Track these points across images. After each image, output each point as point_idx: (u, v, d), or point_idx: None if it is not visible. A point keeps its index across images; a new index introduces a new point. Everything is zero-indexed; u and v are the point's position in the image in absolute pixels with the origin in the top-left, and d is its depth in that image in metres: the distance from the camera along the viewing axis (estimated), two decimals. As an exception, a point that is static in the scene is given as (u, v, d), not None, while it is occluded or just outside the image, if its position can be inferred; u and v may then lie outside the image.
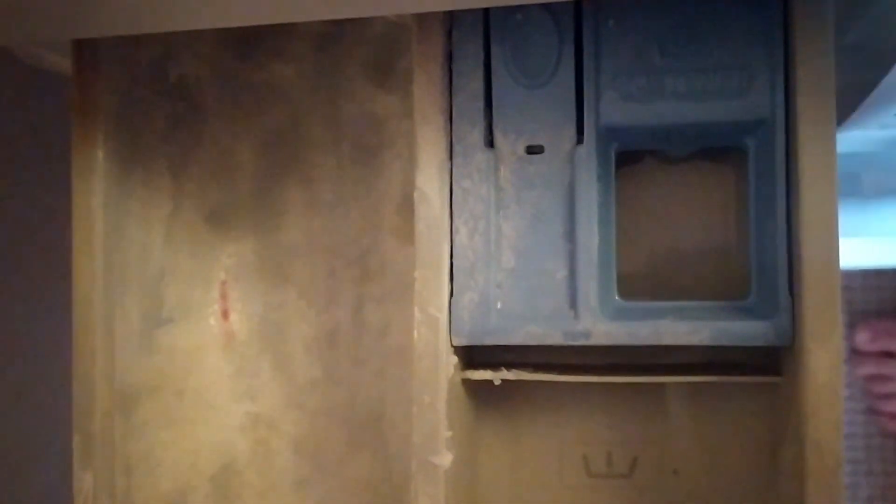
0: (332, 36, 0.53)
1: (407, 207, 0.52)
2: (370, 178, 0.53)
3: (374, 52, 0.53)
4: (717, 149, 0.44)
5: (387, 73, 0.53)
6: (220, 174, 0.54)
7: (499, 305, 0.43)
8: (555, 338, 0.42)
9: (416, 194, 0.43)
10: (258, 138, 0.54)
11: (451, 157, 0.43)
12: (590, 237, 0.42)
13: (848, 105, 0.53)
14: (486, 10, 0.43)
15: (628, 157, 0.45)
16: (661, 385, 0.46)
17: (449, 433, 0.42)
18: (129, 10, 0.40)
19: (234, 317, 0.54)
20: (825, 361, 0.38)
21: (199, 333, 0.53)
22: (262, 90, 0.54)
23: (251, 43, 0.54)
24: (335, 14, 0.41)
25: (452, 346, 0.43)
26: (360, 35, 0.53)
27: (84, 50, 0.46)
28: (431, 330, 0.42)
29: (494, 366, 0.45)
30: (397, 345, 0.51)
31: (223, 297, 0.54)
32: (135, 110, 0.51)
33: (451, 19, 0.44)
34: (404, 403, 0.50)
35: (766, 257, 0.41)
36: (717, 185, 0.45)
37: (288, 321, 0.53)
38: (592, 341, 0.41)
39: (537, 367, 0.45)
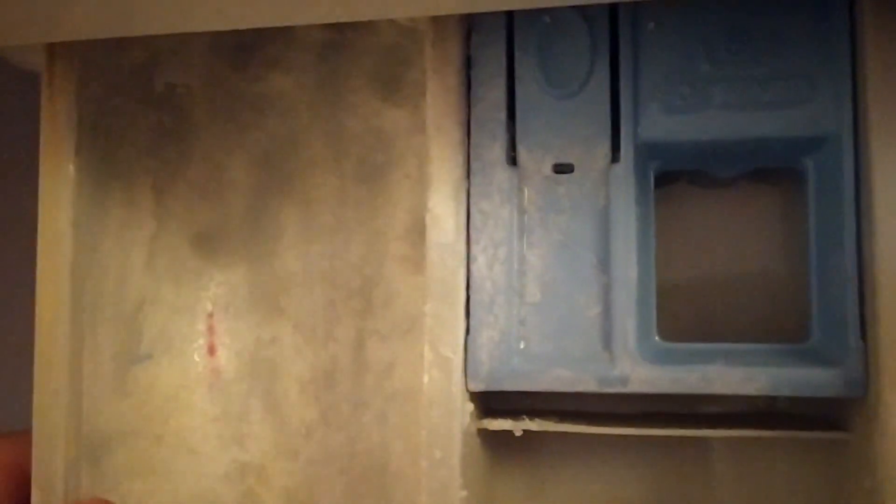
0: (335, 44, 0.48)
1: (416, 233, 0.47)
2: (375, 200, 0.48)
3: (381, 62, 0.48)
4: (767, 171, 0.39)
5: (395, 85, 0.48)
6: (210, 193, 0.49)
7: (522, 345, 0.38)
8: (587, 384, 0.36)
9: (427, 217, 0.38)
10: (252, 154, 0.49)
11: (468, 176, 0.38)
12: (627, 269, 0.36)
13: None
14: (510, 13, 0.38)
15: (668, 178, 0.40)
16: (704, 438, 0.40)
17: (463, 493, 0.36)
18: (109, 11, 0.36)
19: (221, 352, 0.48)
20: (907, 417, 0.32)
21: (181, 371, 0.47)
22: (258, 102, 0.49)
23: (247, 51, 0.49)
24: (340, 17, 0.36)
25: (468, 391, 0.37)
26: (366, 44, 0.48)
27: (58, 53, 0.41)
28: (444, 373, 0.37)
29: (514, 413, 0.40)
30: (403, 386, 0.46)
31: (210, 330, 0.48)
32: (115, 120, 0.46)
33: (471, 22, 0.39)
34: (411, 452, 0.45)
35: (830, 293, 0.36)
36: (768, 210, 0.40)
37: (281, 358, 0.47)
38: (630, 388, 0.36)
39: (563, 416, 0.40)
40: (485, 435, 0.40)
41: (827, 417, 0.38)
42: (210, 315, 0.48)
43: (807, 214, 0.37)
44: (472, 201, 0.38)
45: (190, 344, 0.48)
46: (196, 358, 0.48)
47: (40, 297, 0.41)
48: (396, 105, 0.48)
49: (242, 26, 0.37)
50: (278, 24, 0.38)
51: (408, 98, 0.47)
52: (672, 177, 0.40)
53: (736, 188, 0.40)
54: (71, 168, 0.41)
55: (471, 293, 0.38)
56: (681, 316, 0.40)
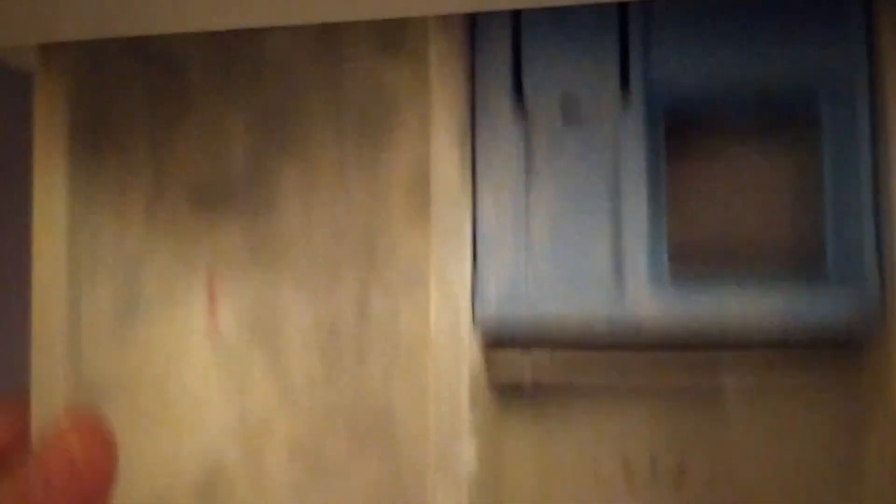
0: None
1: (419, 187, 0.46)
2: (377, 154, 0.47)
3: (380, 13, 0.47)
4: (780, 120, 0.39)
5: (396, 36, 0.47)
6: (208, 151, 0.49)
7: (531, 285, 0.37)
8: (598, 324, 0.36)
9: (432, 156, 0.38)
10: (251, 112, 0.49)
11: (473, 122, 0.38)
12: (638, 209, 0.36)
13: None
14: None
15: (677, 128, 0.39)
16: (714, 368, 0.40)
17: (471, 419, 0.36)
18: (103, 11, 0.35)
19: (222, 308, 0.48)
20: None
21: (181, 325, 0.47)
22: (256, 60, 0.49)
23: (244, 4, 0.48)
24: (339, 17, 0.35)
25: (476, 328, 0.37)
26: (365, -5, 0.47)
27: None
28: (451, 309, 0.36)
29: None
30: (409, 337, 0.45)
31: (210, 285, 0.48)
32: (108, 77, 0.45)
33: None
34: (417, 402, 0.44)
35: (847, 227, 0.36)
36: (783, 155, 0.40)
37: (283, 311, 0.47)
38: (643, 322, 0.35)
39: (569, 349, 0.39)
40: (493, 388, 0.39)
41: (842, 354, 0.38)
42: (210, 271, 0.48)
43: (822, 155, 0.37)
44: (477, 144, 0.38)
45: (190, 298, 0.47)
46: (196, 312, 0.47)
47: (36, 255, 0.40)
48: (398, 57, 0.47)
49: (242, 25, 0.37)
50: (279, 23, 0.37)
51: (409, 50, 0.47)
52: (682, 120, 0.40)
53: (749, 128, 0.40)
54: (64, 130, 0.40)
55: (477, 233, 0.37)
56: (695, 252, 0.39)
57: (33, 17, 0.35)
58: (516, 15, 0.38)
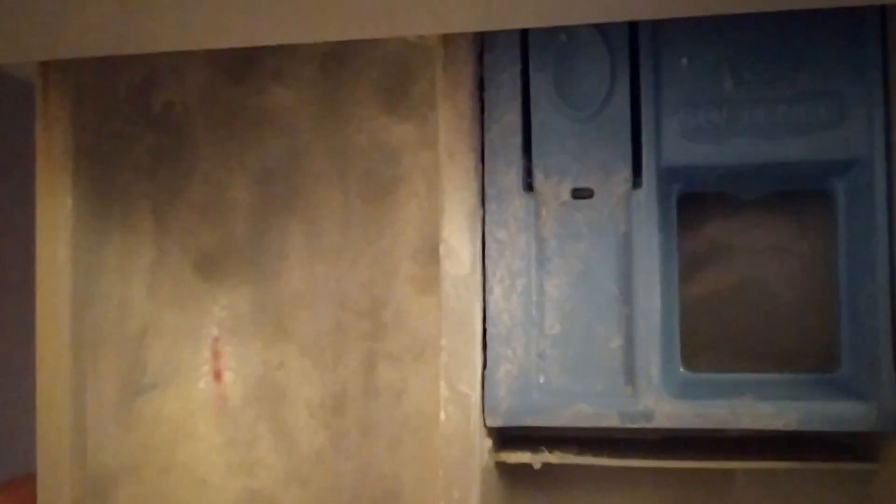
0: (338, 56, 0.47)
1: (425, 252, 0.45)
2: (383, 218, 0.46)
3: (386, 74, 0.46)
4: (794, 192, 0.38)
5: (401, 97, 0.46)
6: (212, 214, 0.48)
7: (542, 380, 0.36)
8: (610, 419, 0.35)
9: (441, 248, 0.37)
10: (255, 172, 0.48)
11: (482, 204, 0.37)
12: (650, 298, 0.35)
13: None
14: (525, 31, 0.37)
15: (689, 198, 0.38)
16: (729, 468, 0.39)
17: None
18: (106, 29, 0.34)
19: (227, 378, 0.47)
20: (943, 454, 0.31)
21: (187, 399, 0.46)
22: (260, 117, 0.48)
23: (246, 63, 0.47)
24: (343, 35, 0.34)
25: (486, 426, 0.36)
26: (370, 55, 0.46)
27: (51, 79, 0.39)
28: (461, 410, 0.35)
29: (533, 442, 0.39)
30: (416, 412, 0.44)
31: (215, 355, 0.47)
32: (111, 146, 0.44)
33: (483, 40, 0.37)
34: (425, 480, 0.43)
35: (861, 322, 0.34)
36: (796, 233, 0.39)
37: (289, 382, 0.46)
38: (655, 424, 0.34)
39: (583, 444, 0.38)
40: (503, 467, 0.39)
41: (855, 446, 0.37)
42: (215, 339, 0.47)
43: (836, 238, 0.36)
44: (487, 230, 0.37)
45: (195, 370, 0.46)
46: (202, 385, 0.46)
47: (40, 335, 0.39)
48: (403, 119, 0.46)
49: (243, 44, 0.36)
50: (281, 41, 0.36)
51: (415, 111, 0.46)
52: (694, 198, 0.39)
53: (760, 208, 0.39)
54: (69, 201, 0.39)
55: (487, 326, 0.36)
56: (706, 343, 0.39)
57: (36, 34, 0.34)
58: (526, 95, 0.37)
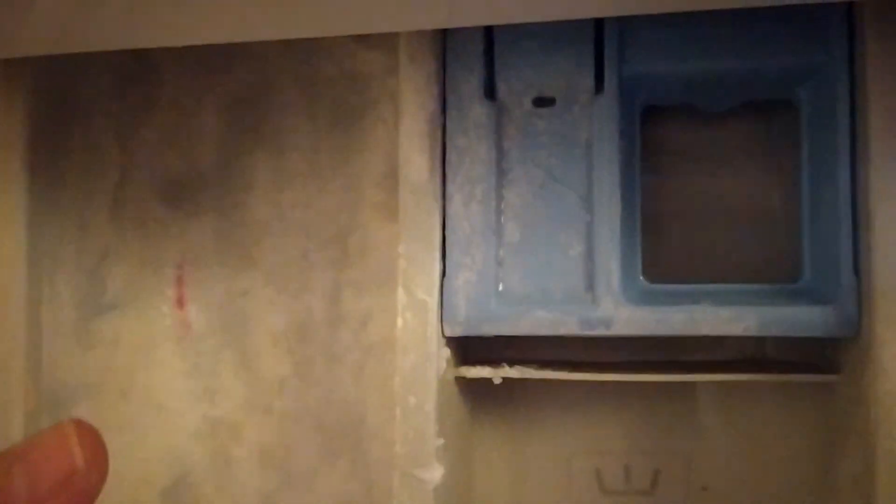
0: (308, -17, 0.46)
1: (392, 180, 0.45)
2: (350, 145, 0.46)
3: None
4: (758, 103, 0.38)
5: (370, 25, 0.46)
6: (178, 141, 0.47)
7: (501, 287, 0.36)
8: (569, 326, 0.34)
9: (400, 154, 0.36)
10: (222, 100, 0.47)
11: (443, 111, 0.36)
12: (611, 206, 0.34)
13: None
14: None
15: (653, 111, 0.38)
16: (690, 385, 0.39)
17: (440, 441, 0.34)
18: (66, 26, 0.33)
19: (190, 305, 0.46)
20: (901, 355, 0.31)
21: (148, 323, 0.45)
22: (227, 46, 0.47)
23: (214, -9, 0.46)
24: (315, 32, 0.34)
25: (444, 336, 0.36)
26: (340, -19, 0.45)
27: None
28: (419, 317, 0.35)
29: (493, 361, 0.38)
30: (380, 338, 0.44)
31: (178, 281, 0.46)
32: (75, 62, 0.44)
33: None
34: (388, 406, 0.43)
35: (823, 229, 0.34)
36: (759, 143, 0.38)
37: (253, 310, 0.46)
38: (614, 331, 0.34)
39: (543, 363, 0.38)
40: (463, 384, 0.38)
41: (815, 360, 0.36)
42: (179, 266, 0.46)
43: (799, 147, 0.36)
44: (447, 137, 0.36)
45: (158, 296, 0.46)
46: (164, 310, 0.46)
47: (-7, 243, 0.39)
48: (371, 45, 0.46)
49: (211, 41, 0.35)
50: (249, 38, 0.35)
51: (383, 38, 0.45)
52: (660, 110, 0.38)
53: (726, 120, 0.38)
54: (24, 112, 0.38)
55: (447, 234, 0.36)
56: (667, 254, 0.38)
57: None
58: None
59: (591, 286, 0.35)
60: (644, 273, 0.36)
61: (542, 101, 0.36)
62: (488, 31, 0.36)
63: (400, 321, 0.35)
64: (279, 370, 0.45)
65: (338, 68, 0.46)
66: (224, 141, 0.47)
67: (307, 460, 0.44)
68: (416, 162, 0.35)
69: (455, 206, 0.36)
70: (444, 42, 0.36)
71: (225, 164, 0.47)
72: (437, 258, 0.35)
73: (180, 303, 0.46)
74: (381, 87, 0.45)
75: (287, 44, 0.47)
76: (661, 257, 0.38)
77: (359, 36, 0.46)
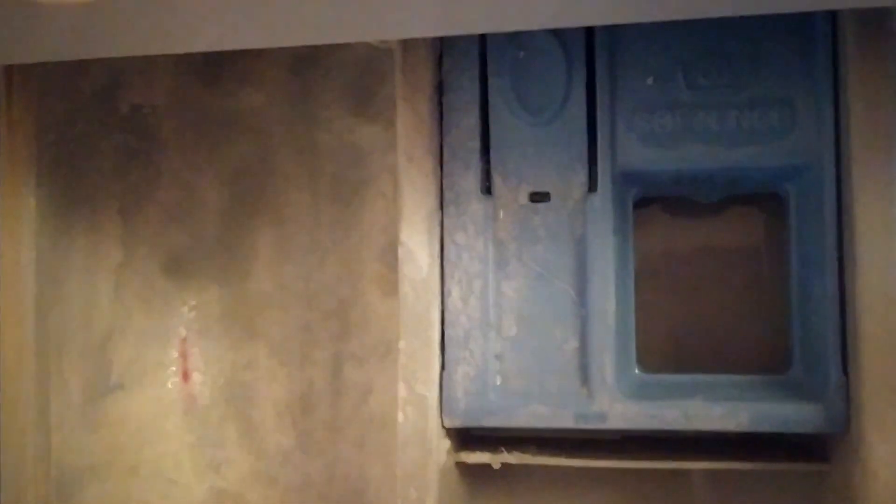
0: (308, 59, 0.47)
1: (392, 253, 0.45)
2: (350, 219, 0.46)
3: (354, 76, 0.46)
4: (747, 195, 0.38)
5: (368, 100, 0.47)
6: (180, 215, 0.48)
7: (498, 381, 0.37)
8: (565, 420, 0.35)
9: (400, 250, 0.37)
10: (224, 173, 0.48)
11: (441, 207, 0.37)
12: (605, 300, 0.35)
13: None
14: (483, 36, 0.37)
15: (645, 202, 0.39)
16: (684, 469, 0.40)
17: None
18: (71, 33, 0.34)
19: (195, 378, 0.47)
20: (889, 455, 0.32)
21: (155, 399, 0.46)
22: (229, 119, 0.48)
23: (216, 67, 0.47)
24: (310, 40, 0.35)
25: (444, 427, 0.37)
26: (338, 58, 0.46)
27: (14, 80, 0.39)
28: (419, 411, 0.36)
29: (492, 443, 0.39)
30: (381, 411, 0.45)
31: (183, 355, 0.47)
32: (77, 147, 0.45)
33: (442, 45, 0.37)
34: (389, 479, 0.44)
35: (811, 324, 0.35)
36: (749, 235, 0.39)
37: (257, 382, 0.47)
38: (609, 425, 0.35)
39: (541, 446, 0.39)
40: (463, 468, 0.39)
41: (807, 447, 0.37)
42: (183, 340, 0.47)
43: (787, 240, 0.36)
44: (446, 233, 0.37)
45: (163, 371, 0.47)
46: (169, 385, 0.47)
47: (2, 338, 0.40)
48: (370, 120, 0.46)
49: (211, 48, 0.36)
50: (247, 46, 0.36)
51: (381, 114, 0.46)
52: (650, 201, 0.39)
53: (715, 212, 0.39)
54: (31, 201, 0.39)
55: (445, 328, 0.37)
56: (660, 344, 0.39)
57: (4, 37, 0.34)
58: (484, 99, 0.37)
59: (586, 380, 0.35)
60: (637, 362, 0.37)
61: (537, 196, 0.37)
62: (484, 126, 0.37)
63: (401, 416, 0.36)
64: (283, 442, 0.46)
65: (338, 141, 0.47)
66: (226, 213, 0.48)
67: (312, 532, 0.45)
68: (416, 259, 0.36)
69: (454, 301, 0.37)
70: (441, 137, 0.37)
71: (227, 237, 0.48)
72: (436, 353, 0.36)
73: (185, 376, 0.47)
74: (380, 161, 0.46)
75: (286, 116, 0.48)
76: (656, 347, 0.38)
77: (357, 111, 0.47)
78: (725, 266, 0.39)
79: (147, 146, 0.48)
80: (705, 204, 0.38)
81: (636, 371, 0.37)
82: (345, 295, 0.46)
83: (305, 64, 0.47)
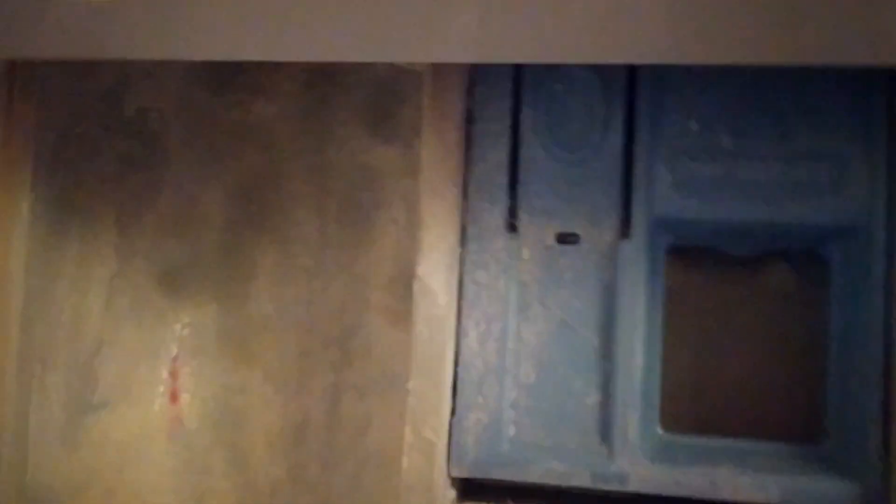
0: (324, 73, 0.45)
1: (400, 283, 0.43)
2: (358, 243, 0.44)
3: (372, 96, 0.44)
4: (789, 251, 0.37)
5: (386, 121, 0.45)
6: (180, 228, 0.46)
7: (512, 431, 0.35)
8: (581, 479, 0.33)
9: (416, 285, 0.35)
10: (228, 186, 0.46)
11: (463, 242, 0.35)
12: (632, 355, 0.33)
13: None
14: (519, 66, 0.35)
15: (677, 251, 0.37)
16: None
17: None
18: (78, 32, 0.32)
19: (184, 399, 0.45)
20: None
21: (139, 420, 0.44)
22: (237, 130, 0.46)
23: (228, 75, 0.45)
24: (329, 57, 0.33)
25: (450, 476, 0.34)
26: (357, 75, 0.44)
27: (17, 77, 0.37)
28: (425, 458, 0.34)
29: (499, 492, 0.37)
30: (380, 447, 0.42)
31: (173, 375, 0.45)
32: (77, 150, 0.42)
33: (474, 72, 0.35)
34: (384, 523, 0.41)
35: (851, 394, 0.33)
36: (785, 293, 0.37)
37: (249, 409, 0.44)
38: (629, 487, 0.33)
39: (551, 500, 0.37)
40: (467, 517, 0.37)
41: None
42: (174, 359, 0.45)
43: (828, 301, 0.35)
44: (465, 270, 0.35)
45: (150, 390, 0.44)
46: (156, 405, 0.44)
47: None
48: (386, 142, 0.44)
49: (222, 58, 0.34)
50: (261, 59, 0.35)
51: (399, 136, 0.44)
52: (682, 250, 0.37)
53: (751, 266, 0.37)
54: (24, 206, 0.37)
55: (459, 371, 0.35)
56: (685, 402, 0.37)
57: (9, 33, 0.32)
58: (515, 133, 0.35)
59: (606, 438, 0.33)
60: (661, 421, 0.35)
61: (566, 238, 0.35)
62: (513, 160, 0.35)
63: (405, 461, 0.34)
64: (272, 473, 0.44)
65: (350, 160, 0.45)
66: (228, 229, 0.46)
67: (297, 573, 0.43)
68: (432, 296, 0.34)
69: (470, 342, 0.34)
70: (466, 169, 0.35)
71: (227, 254, 0.46)
72: (447, 397, 0.34)
73: (173, 397, 0.45)
74: (394, 185, 0.44)
75: (298, 131, 0.46)
76: (682, 406, 0.36)
77: (373, 130, 0.45)
78: (758, 324, 0.37)
79: (150, 153, 0.46)
80: (741, 258, 0.36)
81: (659, 430, 0.35)
82: (348, 323, 0.44)
83: (322, 79, 0.45)
